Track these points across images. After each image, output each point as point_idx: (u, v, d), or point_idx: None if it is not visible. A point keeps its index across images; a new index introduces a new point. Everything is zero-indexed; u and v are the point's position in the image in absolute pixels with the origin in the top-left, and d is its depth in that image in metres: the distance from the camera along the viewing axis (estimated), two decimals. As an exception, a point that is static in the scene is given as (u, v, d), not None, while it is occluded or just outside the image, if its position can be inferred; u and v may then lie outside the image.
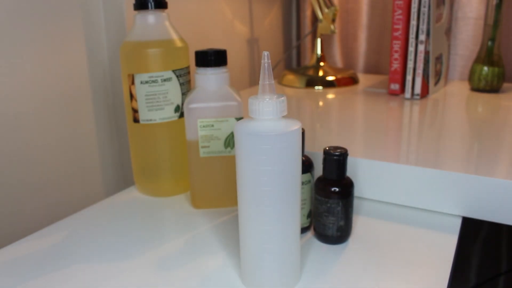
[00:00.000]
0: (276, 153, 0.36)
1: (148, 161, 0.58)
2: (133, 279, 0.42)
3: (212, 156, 0.53)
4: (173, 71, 0.55)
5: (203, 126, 0.52)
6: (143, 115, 0.55)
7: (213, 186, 0.55)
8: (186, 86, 0.57)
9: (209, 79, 0.51)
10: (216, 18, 0.92)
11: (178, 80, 0.55)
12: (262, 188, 0.36)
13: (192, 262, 0.44)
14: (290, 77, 1.06)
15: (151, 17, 0.55)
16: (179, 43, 0.56)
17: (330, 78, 1.03)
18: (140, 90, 0.54)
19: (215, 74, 0.51)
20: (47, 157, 0.61)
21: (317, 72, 1.05)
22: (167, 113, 0.55)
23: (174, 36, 0.56)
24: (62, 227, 0.52)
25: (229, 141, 0.53)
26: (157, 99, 0.54)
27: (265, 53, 0.35)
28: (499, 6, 0.90)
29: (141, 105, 0.54)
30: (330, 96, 0.97)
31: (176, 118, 0.56)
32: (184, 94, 0.56)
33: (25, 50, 0.57)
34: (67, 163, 0.65)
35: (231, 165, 0.53)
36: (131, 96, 0.55)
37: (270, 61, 0.36)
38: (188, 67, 0.58)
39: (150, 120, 0.55)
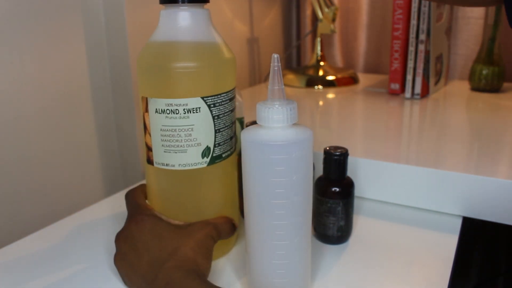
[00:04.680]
0: (293, 162, 0.33)
1: (169, 215, 0.42)
2: (133, 279, 0.42)
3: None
4: (203, 98, 0.39)
5: None
6: (157, 157, 0.40)
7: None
8: (224, 120, 0.41)
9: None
10: (216, 17, 0.92)
11: (210, 111, 0.39)
12: (277, 201, 0.34)
13: (192, 262, 0.44)
14: (290, 77, 1.06)
15: (184, 15, 0.39)
16: (224, 56, 0.40)
17: (330, 77, 1.03)
18: (155, 122, 0.39)
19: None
20: (47, 157, 0.61)
21: (317, 72, 1.05)
22: (191, 158, 0.40)
23: (219, 45, 0.41)
24: (62, 227, 0.52)
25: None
26: (176, 137, 0.39)
27: (275, 55, 0.33)
28: (499, 6, 0.89)
29: (155, 142, 0.40)
30: (330, 95, 0.97)
31: (204, 165, 0.40)
32: (219, 131, 0.40)
33: (25, 50, 0.57)
34: (67, 163, 0.65)
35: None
36: (145, 128, 0.41)
37: (280, 64, 0.33)
38: (230, 92, 0.41)
39: (167, 165, 0.40)
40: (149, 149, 0.41)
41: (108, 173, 0.72)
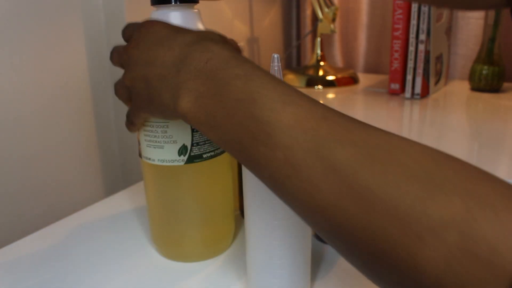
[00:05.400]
0: None
1: (162, 211, 0.44)
2: (133, 279, 0.42)
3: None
4: None
5: None
6: (143, 151, 0.42)
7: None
8: None
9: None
10: (216, 17, 0.92)
11: None
12: (278, 201, 0.34)
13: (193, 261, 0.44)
14: (290, 77, 1.06)
15: (175, 15, 0.39)
16: None
17: (330, 77, 1.03)
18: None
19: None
20: (47, 156, 0.61)
21: (317, 72, 1.05)
22: (168, 155, 0.41)
23: None
24: (62, 227, 0.52)
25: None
26: (154, 132, 0.40)
27: (275, 55, 0.33)
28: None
29: (141, 137, 0.42)
30: (330, 95, 0.97)
31: (181, 163, 0.41)
32: (197, 131, 0.40)
33: (25, 50, 0.57)
34: (67, 163, 0.65)
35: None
36: None
37: (280, 64, 0.33)
38: None
39: (149, 159, 0.42)
40: (138, 143, 0.43)
41: (108, 173, 0.72)
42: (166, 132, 0.40)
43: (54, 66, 0.61)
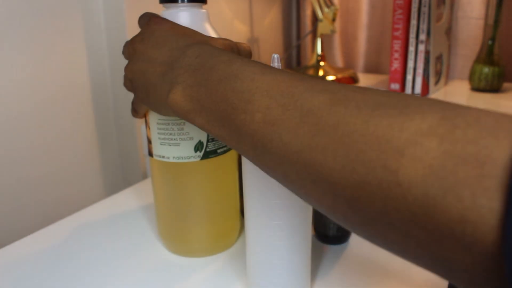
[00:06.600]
0: None
1: (172, 208, 0.45)
2: (133, 279, 0.42)
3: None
4: None
5: None
6: (156, 149, 0.43)
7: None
8: None
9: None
10: (216, 17, 0.92)
11: None
12: (277, 201, 0.34)
13: (194, 262, 0.44)
14: (290, 77, 1.06)
15: (183, 15, 0.40)
16: None
17: (330, 77, 1.03)
18: (152, 116, 0.42)
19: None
20: (47, 157, 0.61)
21: (317, 72, 1.05)
22: (184, 151, 0.41)
23: None
24: (62, 227, 0.52)
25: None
26: (170, 130, 0.41)
27: (275, 55, 0.33)
28: (499, 6, 0.90)
29: (153, 135, 0.42)
30: (330, 95, 0.97)
31: (197, 159, 0.42)
32: None
33: (25, 50, 0.57)
34: (67, 163, 0.65)
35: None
36: (146, 122, 0.44)
37: (280, 64, 0.33)
38: None
39: (163, 157, 0.42)
40: (149, 141, 0.43)
41: (108, 173, 0.72)
42: (182, 129, 0.40)
43: (54, 66, 0.61)
